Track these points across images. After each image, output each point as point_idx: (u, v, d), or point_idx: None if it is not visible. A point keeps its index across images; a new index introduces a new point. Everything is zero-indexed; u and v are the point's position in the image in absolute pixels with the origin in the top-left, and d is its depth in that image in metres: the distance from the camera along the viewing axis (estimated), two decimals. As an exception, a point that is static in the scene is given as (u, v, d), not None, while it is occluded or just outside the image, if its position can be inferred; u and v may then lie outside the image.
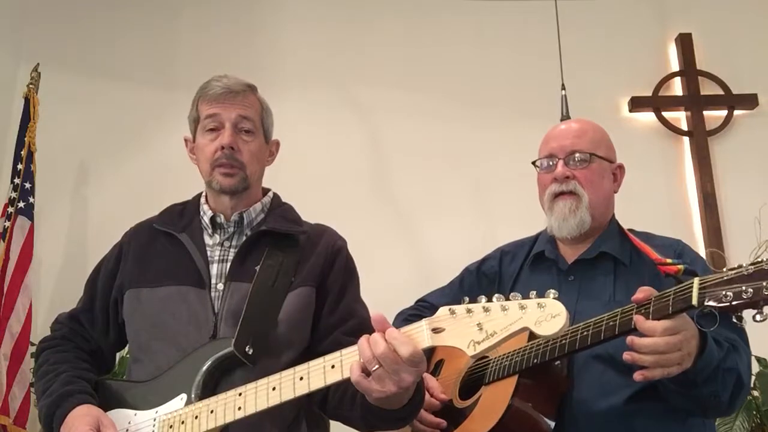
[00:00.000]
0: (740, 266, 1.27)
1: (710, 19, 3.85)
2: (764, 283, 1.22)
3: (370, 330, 1.25)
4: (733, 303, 1.25)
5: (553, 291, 1.12)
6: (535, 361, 1.56)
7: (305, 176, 3.28)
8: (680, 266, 1.51)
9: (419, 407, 1.41)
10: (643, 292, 1.40)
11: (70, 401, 1.43)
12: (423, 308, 1.97)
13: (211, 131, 1.59)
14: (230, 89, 1.58)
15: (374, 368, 1.19)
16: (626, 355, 1.40)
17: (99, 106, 3.65)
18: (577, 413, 1.58)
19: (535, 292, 1.13)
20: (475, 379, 1.74)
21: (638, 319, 1.37)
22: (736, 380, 1.48)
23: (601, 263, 1.73)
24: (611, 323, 1.45)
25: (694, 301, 1.30)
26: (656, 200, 3.49)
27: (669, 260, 1.56)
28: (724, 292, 1.26)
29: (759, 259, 1.26)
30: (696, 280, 1.32)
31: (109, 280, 1.64)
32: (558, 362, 1.60)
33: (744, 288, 1.24)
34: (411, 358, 1.18)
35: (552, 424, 1.57)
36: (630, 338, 1.39)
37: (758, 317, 1.24)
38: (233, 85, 1.59)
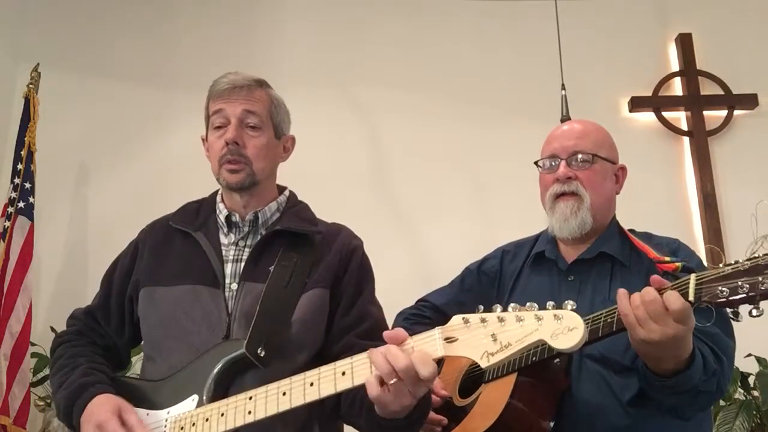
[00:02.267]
0: (737, 262, 1.27)
1: (710, 19, 3.85)
2: (760, 278, 1.22)
3: (384, 332, 1.22)
4: (730, 298, 1.26)
5: (571, 302, 1.10)
6: (534, 359, 1.56)
7: (305, 176, 3.26)
8: (678, 264, 1.52)
9: (425, 414, 1.38)
10: (657, 282, 1.39)
11: (89, 391, 1.43)
12: (424, 308, 1.97)
13: (218, 128, 1.57)
14: (235, 84, 1.57)
15: (392, 381, 1.17)
16: (621, 293, 1.39)
17: (99, 106, 3.65)
18: (576, 412, 1.59)
19: (552, 303, 1.10)
20: (474, 377, 1.75)
21: (673, 294, 1.33)
22: (711, 397, 1.50)
23: (600, 263, 1.73)
24: (609, 320, 1.45)
25: (691, 297, 1.30)
26: (656, 200, 3.49)
27: (667, 258, 1.57)
28: (720, 288, 1.27)
29: (755, 255, 1.26)
30: (693, 276, 1.32)
31: (124, 277, 1.63)
32: (557, 360, 1.61)
33: (740, 283, 1.25)
34: (430, 378, 1.15)
35: (551, 422, 1.57)
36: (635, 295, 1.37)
37: (754, 312, 1.24)
38: (239, 80, 1.58)
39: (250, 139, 1.56)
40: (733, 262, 1.28)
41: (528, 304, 1.12)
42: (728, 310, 1.29)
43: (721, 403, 2.81)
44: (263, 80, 1.63)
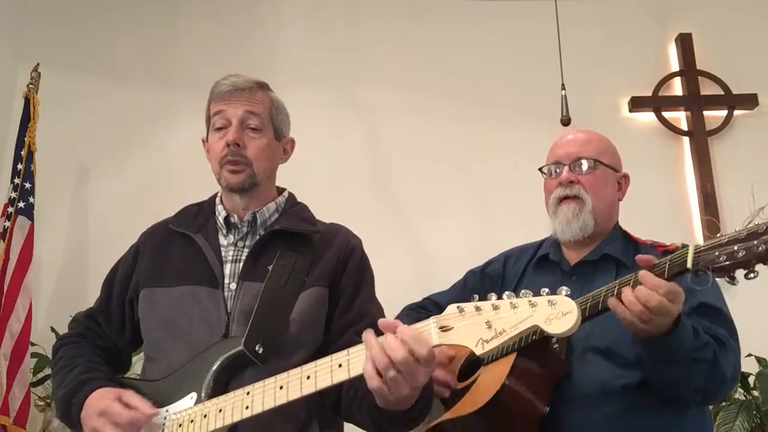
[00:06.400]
0: (735, 231, 1.32)
1: (710, 19, 3.85)
2: (755, 242, 1.27)
3: (379, 321, 1.23)
4: (726, 263, 1.30)
5: (564, 288, 1.12)
6: (534, 337, 1.57)
7: (305, 176, 3.27)
8: (678, 245, 1.55)
9: (429, 404, 1.39)
10: (644, 260, 1.45)
11: (88, 386, 1.44)
12: (428, 304, 2.00)
13: (219, 129, 1.59)
14: (236, 87, 1.58)
15: (390, 374, 1.18)
16: (612, 301, 1.45)
17: (99, 106, 3.65)
18: (573, 398, 1.61)
19: (547, 290, 1.12)
20: (474, 361, 1.77)
21: (645, 274, 1.40)
22: (710, 372, 1.51)
23: (603, 265, 1.76)
24: (609, 294, 1.48)
25: (689, 264, 1.35)
26: (656, 200, 3.49)
27: (668, 243, 1.63)
28: (717, 253, 1.32)
29: (751, 224, 1.31)
30: (691, 246, 1.38)
31: (125, 279, 1.64)
32: (556, 345, 1.62)
33: (736, 248, 1.30)
34: (427, 358, 1.17)
35: (546, 407, 1.59)
36: (626, 290, 1.43)
37: (751, 275, 1.29)
38: (240, 82, 1.59)
39: (251, 140, 1.58)
40: (730, 233, 1.33)
41: (522, 291, 1.13)
42: (725, 278, 1.33)
43: (722, 403, 2.81)
44: (264, 83, 1.65)
